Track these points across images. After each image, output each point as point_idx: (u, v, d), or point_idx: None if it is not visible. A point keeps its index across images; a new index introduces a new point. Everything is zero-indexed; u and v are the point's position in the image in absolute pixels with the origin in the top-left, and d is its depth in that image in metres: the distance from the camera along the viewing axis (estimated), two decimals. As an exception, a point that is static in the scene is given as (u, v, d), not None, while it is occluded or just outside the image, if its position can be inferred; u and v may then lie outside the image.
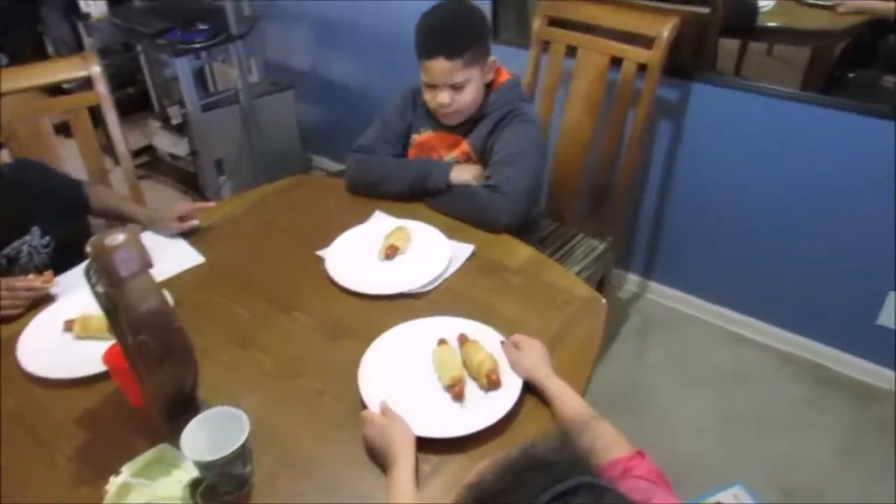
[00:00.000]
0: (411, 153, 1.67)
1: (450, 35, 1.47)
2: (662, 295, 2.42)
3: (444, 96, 1.51)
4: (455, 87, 1.50)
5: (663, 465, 0.88)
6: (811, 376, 2.10)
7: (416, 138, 1.66)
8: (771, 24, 1.86)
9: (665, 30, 1.72)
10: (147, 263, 0.88)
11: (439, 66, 1.47)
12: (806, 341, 2.15)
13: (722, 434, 1.94)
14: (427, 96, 1.57)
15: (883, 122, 1.70)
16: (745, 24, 1.87)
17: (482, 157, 1.59)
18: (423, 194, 1.55)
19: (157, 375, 0.91)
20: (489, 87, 1.58)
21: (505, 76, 1.60)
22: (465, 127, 1.60)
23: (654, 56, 1.74)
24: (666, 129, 2.10)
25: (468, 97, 1.53)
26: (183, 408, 0.99)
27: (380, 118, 1.68)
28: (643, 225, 2.32)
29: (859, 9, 1.69)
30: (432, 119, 1.63)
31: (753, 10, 1.83)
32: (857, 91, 1.76)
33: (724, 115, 1.96)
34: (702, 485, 1.78)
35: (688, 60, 1.94)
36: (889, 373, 2.02)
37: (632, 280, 2.47)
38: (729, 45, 1.93)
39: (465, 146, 1.60)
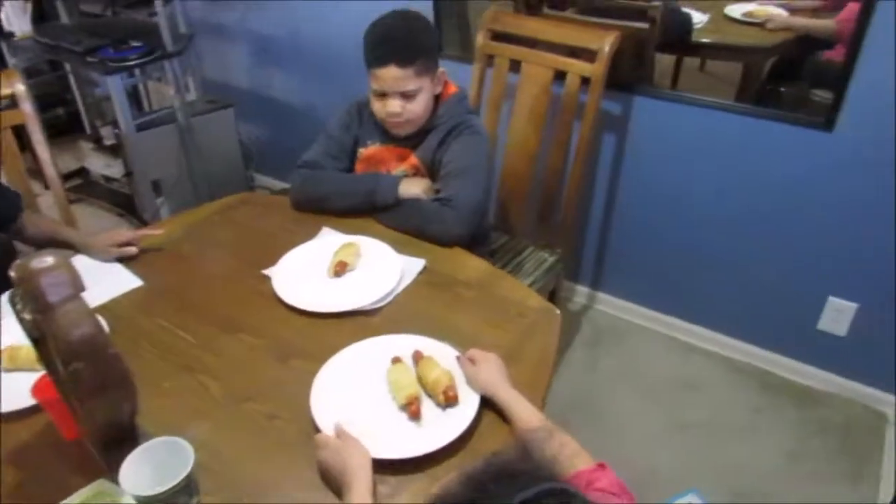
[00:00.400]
0: (359, 167, 1.63)
1: (402, 42, 1.45)
2: (611, 306, 2.44)
3: (394, 105, 1.48)
4: (406, 95, 1.48)
5: (619, 474, 0.88)
6: (758, 382, 2.15)
7: (363, 152, 1.63)
8: (704, 39, 1.91)
9: (606, 44, 1.74)
10: (79, 287, 0.82)
11: (391, 74, 1.44)
12: (752, 348, 2.20)
13: (674, 442, 1.95)
14: (376, 106, 1.53)
15: (818, 133, 1.76)
16: (681, 39, 1.92)
17: (431, 169, 1.57)
18: (371, 209, 1.52)
19: (92, 406, 0.85)
20: (437, 99, 1.57)
21: (452, 89, 1.59)
22: (413, 140, 1.58)
23: (596, 69, 1.77)
24: (610, 141, 2.13)
25: (419, 107, 1.51)
26: (121, 440, 0.92)
27: (324, 133, 1.65)
28: (590, 237, 2.34)
29: (787, 26, 1.76)
30: (380, 132, 1.60)
31: (689, 26, 1.88)
32: (788, 104, 1.82)
33: (666, 128, 2.00)
34: (657, 493, 1.78)
35: (628, 74, 1.98)
36: (831, 376, 2.08)
37: (581, 292, 2.48)
38: (664, 61, 1.98)
39: (413, 159, 1.58)
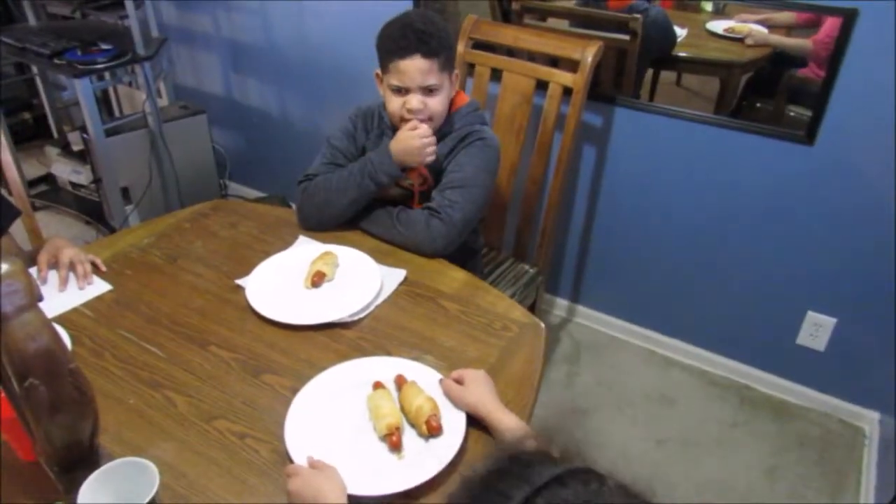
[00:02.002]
0: None
1: (427, 33, 1.37)
2: (590, 319, 2.41)
3: (416, 101, 1.40)
4: (428, 91, 1.40)
5: None
6: (736, 396, 2.14)
7: None
8: (682, 53, 1.92)
9: (589, 54, 1.73)
10: (35, 296, 0.76)
11: (415, 66, 1.37)
12: (730, 362, 2.19)
13: (652, 456, 1.93)
14: (394, 104, 1.43)
15: (799, 146, 1.77)
16: (663, 51, 1.92)
17: (438, 179, 1.50)
18: (377, 190, 1.45)
19: (49, 426, 0.79)
20: (449, 107, 1.50)
21: (463, 98, 1.54)
22: None
23: (578, 80, 1.75)
24: (590, 152, 2.11)
25: (440, 104, 1.43)
26: (81, 461, 0.86)
27: (327, 145, 1.55)
28: (570, 249, 2.32)
29: (765, 42, 1.77)
30: (389, 138, 1.50)
31: (672, 37, 1.88)
32: (764, 120, 1.83)
33: (647, 140, 1.99)
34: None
35: (610, 86, 1.97)
36: (809, 391, 2.08)
37: (560, 304, 2.46)
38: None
39: (422, 168, 1.50)
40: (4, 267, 0.74)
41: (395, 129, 1.49)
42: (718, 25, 1.81)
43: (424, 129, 1.41)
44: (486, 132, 1.52)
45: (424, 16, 1.43)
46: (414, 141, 1.40)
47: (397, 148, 1.42)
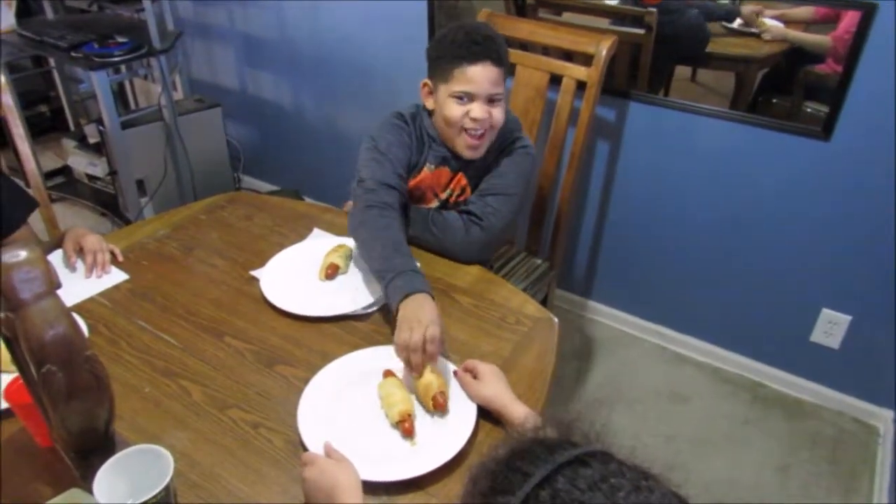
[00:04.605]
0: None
1: (496, 42, 1.34)
2: (602, 314, 2.41)
3: (480, 110, 1.33)
4: (493, 100, 1.35)
5: None
6: (749, 394, 2.13)
7: (418, 177, 1.46)
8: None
9: (604, 48, 1.72)
10: (54, 284, 0.77)
11: (485, 73, 1.31)
12: (743, 359, 2.17)
13: (663, 454, 1.92)
14: (456, 113, 1.35)
15: (812, 141, 1.75)
16: (696, 52, 1.90)
17: (476, 187, 1.47)
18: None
19: (65, 412, 0.80)
20: None
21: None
22: (466, 162, 1.45)
23: (593, 73, 1.74)
24: (603, 147, 2.10)
25: (502, 115, 1.37)
26: (96, 447, 0.87)
27: (379, 152, 1.38)
28: (582, 244, 2.32)
29: (783, 37, 1.75)
30: (436, 153, 1.44)
31: (706, 40, 1.87)
32: (780, 116, 1.81)
33: (661, 135, 1.98)
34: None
35: (624, 81, 1.96)
36: (823, 389, 2.06)
37: (571, 300, 2.45)
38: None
39: (462, 179, 1.47)
40: (24, 254, 0.75)
41: (442, 143, 1.44)
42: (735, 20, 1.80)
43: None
44: (527, 140, 1.49)
45: (485, 26, 1.40)
46: (416, 335, 1.06)
47: (407, 310, 1.12)
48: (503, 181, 1.41)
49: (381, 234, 1.26)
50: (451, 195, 1.48)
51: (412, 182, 1.45)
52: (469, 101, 1.34)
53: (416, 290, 1.13)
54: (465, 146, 1.39)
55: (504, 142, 1.45)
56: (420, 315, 1.08)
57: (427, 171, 1.46)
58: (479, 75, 1.32)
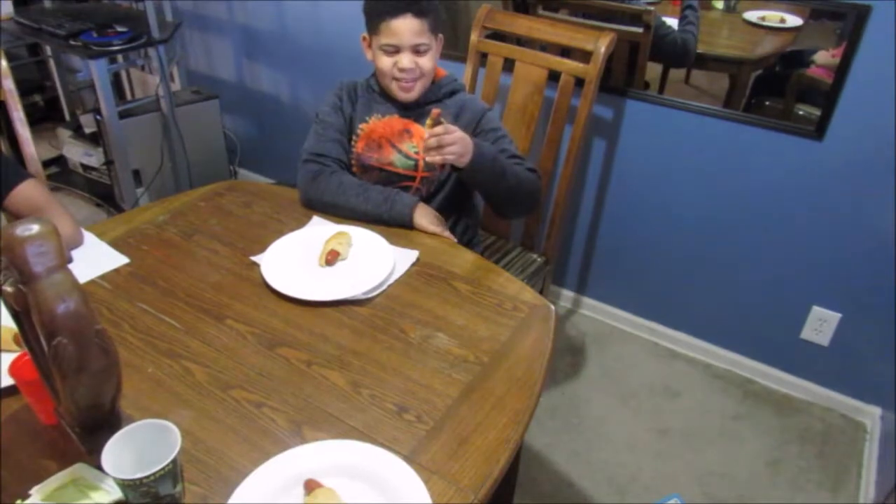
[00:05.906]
0: (359, 145, 1.58)
1: None
2: (596, 310, 2.43)
3: (407, 60, 1.45)
4: (418, 51, 1.46)
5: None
6: (739, 390, 2.15)
7: (363, 128, 1.57)
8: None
9: (602, 44, 1.74)
10: (66, 258, 0.78)
11: (407, 25, 1.42)
12: (734, 355, 2.20)
13: (655, 447, 1.95)
14: (385, 64, 1.48)
15: (805, 141, 1.78)
16: (678, 67, 1.94)
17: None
18: (381, 224, 1.45)
19: (74, 384, 0.81)
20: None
21: (443, 72, 1.59)
22: (415, 111, 1.55)
23: (591, 70, 1.76)
24: (600, 144, 2.13)
25: (430, 63, 1.49)
26: (103, 423, 0.88)
27: (318, 121, 1.59)
28: (577, 240, 2.34)
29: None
30: (379, 104, 1.56)
31: (689, 62, 1.92)
32: (773, 118, 1.84)
33: (657, 133, 2.01)
34: (637, 498, 1.77)
35: (621, 78, 1.98)
36: (812, 385, 2.10)
37: (566, 296, 2.47)
38: (650, 72, 1.99)
39: (419, 130, 1.53)
40: (36, 228, 0.76)
41: (383, 94, 1.55)
42: (753, 15, 1.80)
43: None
44: (480, 102, 1.60)
45: None
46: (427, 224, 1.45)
47: (422, 212, 1.46)
48: (510, 146, 1.53)
49: (343, 188, 1.47)
50: (416, 150, 1.55)
51: (366, 128, 1.57)
52: (396, 52, 1.46)
53: (415, 202, 1.44)
54: (398, 89, 1.51)
55: (459, 104, 1.56)
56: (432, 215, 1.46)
57: (374, 120, 1.56)
58: (402, 27, 1.43)
